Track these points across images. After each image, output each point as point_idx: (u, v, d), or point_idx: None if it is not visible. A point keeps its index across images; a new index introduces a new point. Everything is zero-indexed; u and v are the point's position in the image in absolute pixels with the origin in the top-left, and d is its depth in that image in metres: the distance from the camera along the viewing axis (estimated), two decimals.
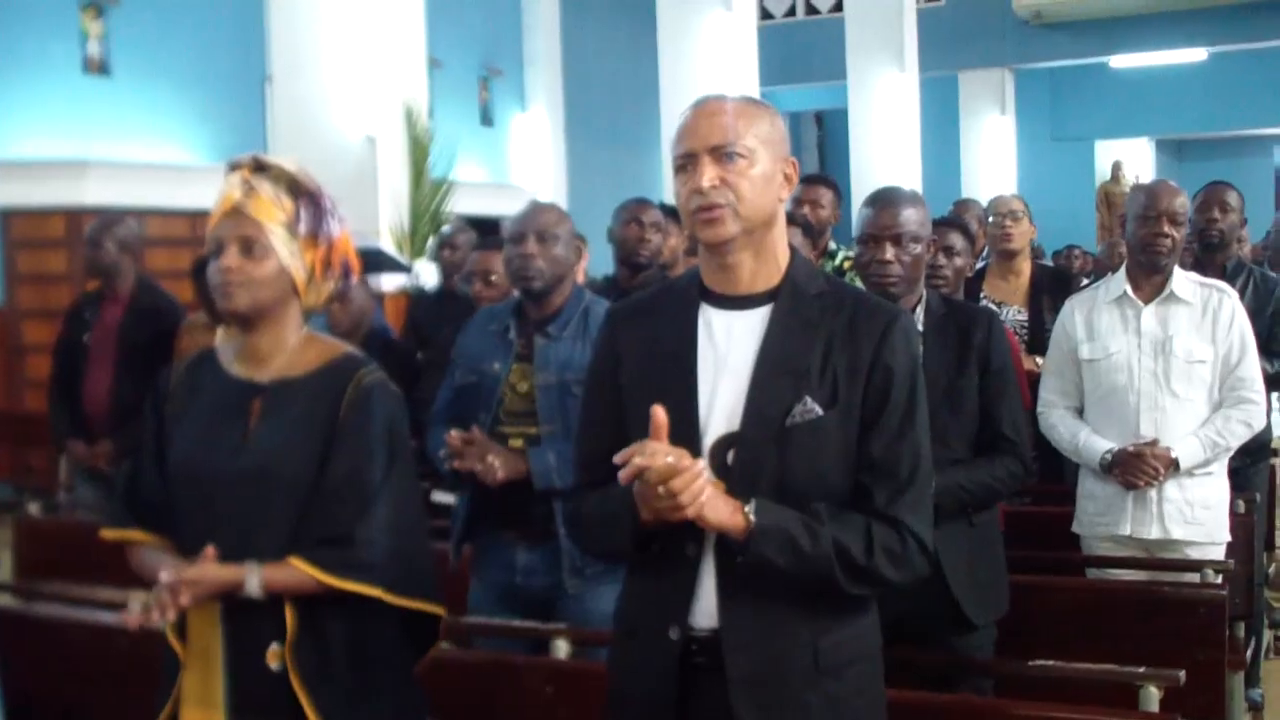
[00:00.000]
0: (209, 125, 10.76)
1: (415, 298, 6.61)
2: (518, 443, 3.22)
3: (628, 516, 1.92)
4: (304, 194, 2.24)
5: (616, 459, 1.82)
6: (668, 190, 7.78)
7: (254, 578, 2.10)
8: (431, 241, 7.27)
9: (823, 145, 21.82)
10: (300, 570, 2.12)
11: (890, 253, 2.91)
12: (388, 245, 7.16)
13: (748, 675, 1.92)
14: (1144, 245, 3.58)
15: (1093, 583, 3.62)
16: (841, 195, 5.17)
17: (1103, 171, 19.99)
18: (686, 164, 1.96)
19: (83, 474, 5.15)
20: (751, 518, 1.86)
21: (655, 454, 1.80)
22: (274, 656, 2.15)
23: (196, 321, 4.87)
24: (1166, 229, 3.56)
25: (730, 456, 1.94)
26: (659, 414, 1.83)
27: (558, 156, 14.64)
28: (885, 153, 14.17)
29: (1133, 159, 20.27)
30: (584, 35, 15.20)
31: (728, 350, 1.99)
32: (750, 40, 10.83)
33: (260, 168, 2.24)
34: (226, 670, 2.18)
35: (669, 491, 1.81)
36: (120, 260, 5.07)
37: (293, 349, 2.27)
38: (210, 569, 2.09)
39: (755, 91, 12.16)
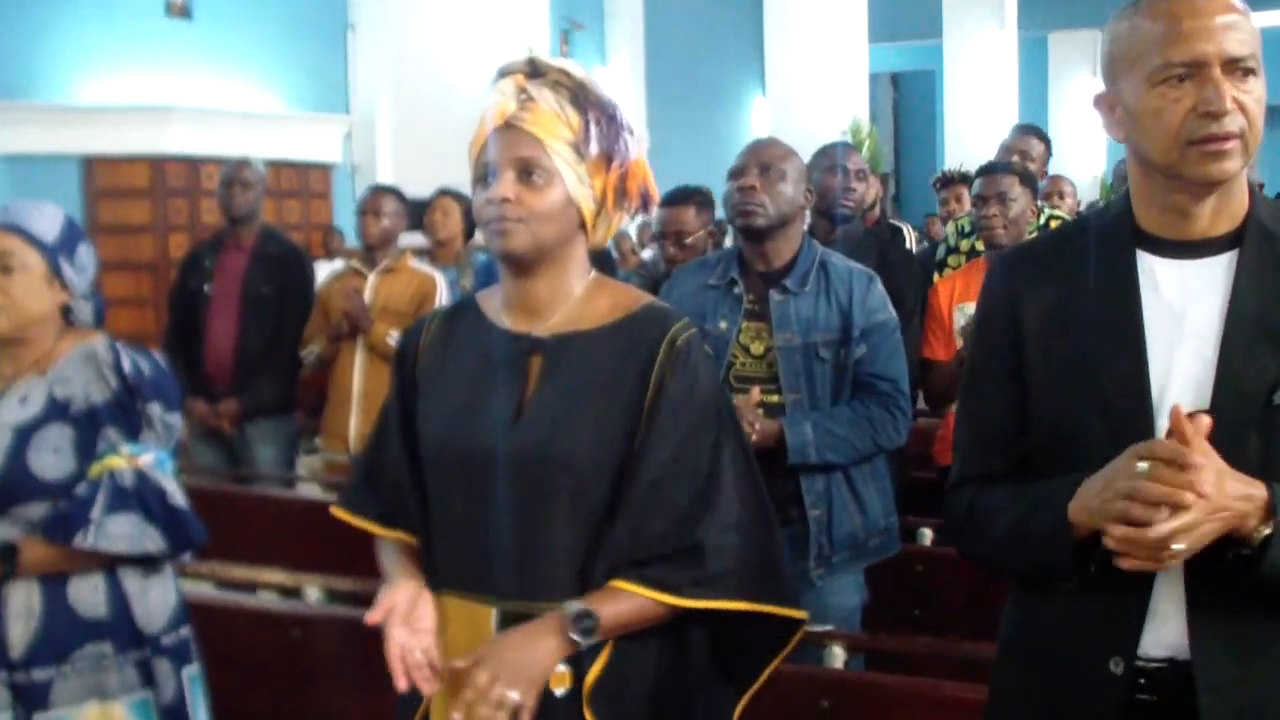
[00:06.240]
0: (291, 72, 10.41)
1: None
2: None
3: (1064, 532, 1.51)
4: (593, 105, 1.76)
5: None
6: None
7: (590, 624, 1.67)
8: None
9: (897, 106, 21.42)
10: (643, 596, 1.68)
11: None
12: None
13: None
14: None
15: None
16: (1051, 147, 4.74)
17: None
18: (1186, 73, 1.49)
19: (200, 435, 4.75)
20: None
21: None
22: (559, 680, 1.73)
23: (346, 269, 4.47)
24: None
25: None
26: (1181, 417, 1.41)
27: (637, 112, 14.19)
28: (979, 112, 13.65)
29: None
30: None
31: (1184, 308, 1.55)
32: None
33: (537, 73, 1.76)
34: None
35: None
36: (257, 205, 4.68)
37: (579, 298, 1.80)
38: (524, 642, 1.66)
39: (863, 47, 11.70)
